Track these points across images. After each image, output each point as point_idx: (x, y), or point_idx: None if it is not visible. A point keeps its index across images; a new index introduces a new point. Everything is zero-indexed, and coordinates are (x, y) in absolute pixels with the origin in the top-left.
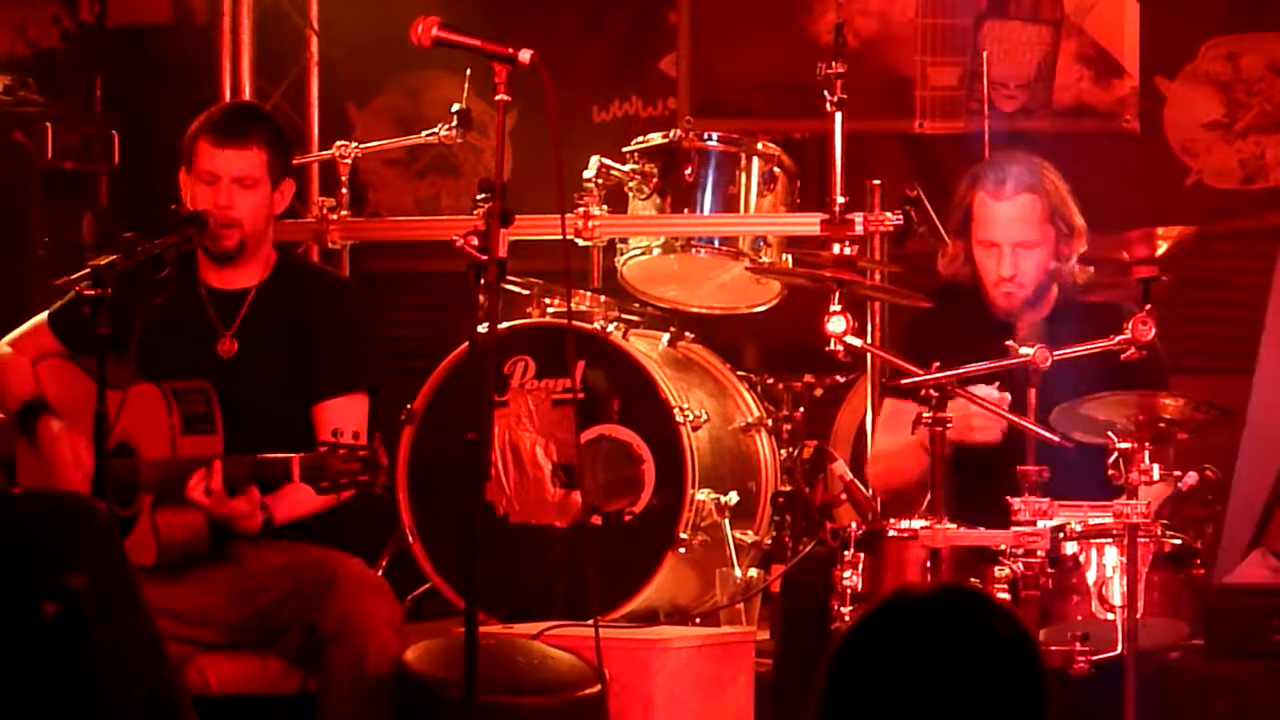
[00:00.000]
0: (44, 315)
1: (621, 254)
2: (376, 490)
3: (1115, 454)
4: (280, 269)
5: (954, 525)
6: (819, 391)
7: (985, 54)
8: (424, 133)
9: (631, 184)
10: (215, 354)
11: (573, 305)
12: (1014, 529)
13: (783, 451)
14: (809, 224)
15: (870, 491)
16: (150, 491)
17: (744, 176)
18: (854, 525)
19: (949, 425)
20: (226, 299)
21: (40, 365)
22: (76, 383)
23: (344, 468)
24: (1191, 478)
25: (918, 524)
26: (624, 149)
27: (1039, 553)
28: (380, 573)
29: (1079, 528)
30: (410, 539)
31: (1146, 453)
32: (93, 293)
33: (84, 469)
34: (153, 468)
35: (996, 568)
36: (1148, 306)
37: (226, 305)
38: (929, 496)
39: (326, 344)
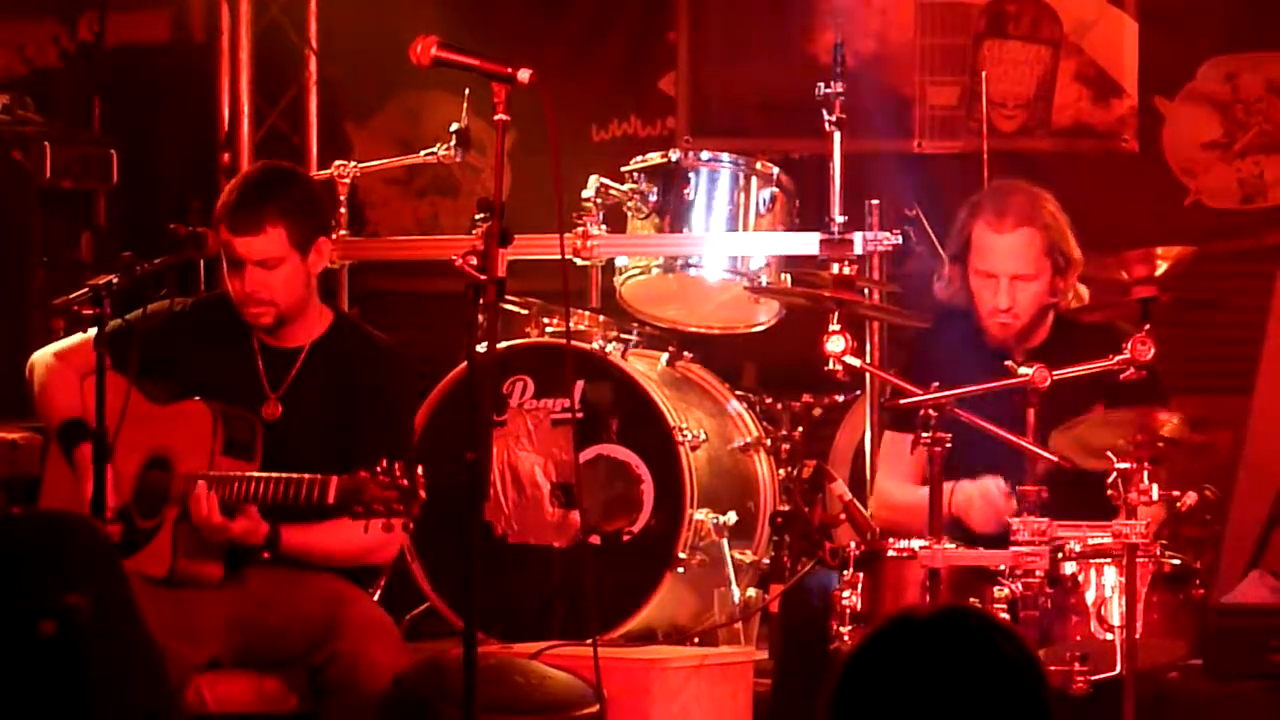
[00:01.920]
0: (93, 331)
1: (620, 273)
2: (409, 522)
3: (1114, 474)
4: (334, 329)
5: (953, 545)
6: (817, 411)
7: (984, 74)
8: (423, 152)
9: (630, 203)
10: (260, 416)
11: (571, 325)
12: (1013, 549)
13: (781, 471)
14: (808, 244)
15: (869, 512)
16: (176, 505)
17: (742, 196)
18: (853, 545)
19: (947, 445)
20: (279, 356)
21: (89, 381)
22: (118, 399)
23: (381, 494)
24: (1191, 498)
25: (917, 544)
26: (623, 168)
27: (1038, 573)
28: (378, 594)
29: (1078, 548)
30: (408, 559)
31: (1145, 472)
32: (91, 311)
33: (120, 494)
34: (184, 483)
35: (995, 588)
36: (1147, 326)
37: (278, 364)
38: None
39: (370, 416)
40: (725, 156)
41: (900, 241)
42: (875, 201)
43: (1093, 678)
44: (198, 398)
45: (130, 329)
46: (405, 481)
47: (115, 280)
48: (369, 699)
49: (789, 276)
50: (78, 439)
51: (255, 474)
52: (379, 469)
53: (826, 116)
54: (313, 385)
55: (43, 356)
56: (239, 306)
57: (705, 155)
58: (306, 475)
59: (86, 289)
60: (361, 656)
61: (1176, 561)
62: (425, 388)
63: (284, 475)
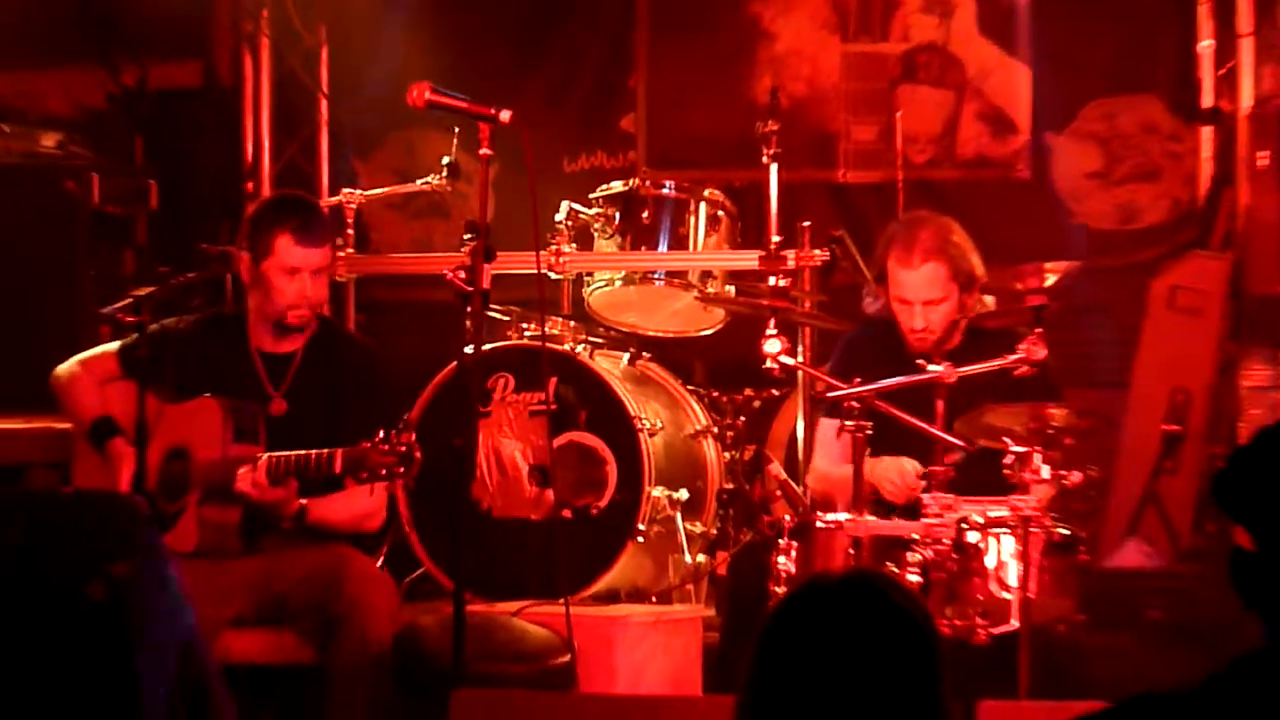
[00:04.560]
0: (115, 345)
1: (588, 285)
2: (409, 482)
3: (1011, 456)
4: (322, 334)
5: (873, 518)
6: (757, 403)
7: (899, 114)
8: (418, 181)
9: (597, 225)
10: (264, 409)
11: (546, 329)
12: (924, 520)
13: (727, 455)
14: (749, 260)
15: (802, 489)
16: (198, 489)
17: (693, 219)
18: (788, 518)
19: (868, 431)
20: (276, 361)
21: (109, 386)
22: (135, 403)
23: (381, 460)
24: (1076, 477)
25: (843, 517)
26: (590, 195)
27: (945, 541)
28: (381, 560)
29: (980, 519)
30: (406, 530)
31: (1038, 455)
32: (132, 319)
33: (146, 483)
34: (202, 469)
35: (909, 554)
36: (1039, 330)
37: (276, 367)
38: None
39: (360, 405)
40: (677, 185)
41: (828, 258)
42: (806, 224)
43: (993, 631)
44: (207, 395)
45: (149, 341)
46: (402, 448)
47: (154, 292)
48: (371, 644)
49: (733, 288)
50: (108, 434)
51: (276, 453)
52: (377, 439)
53: (764, 150)
54: (309, 382)
55: (68, 366)
56: (284, 310)
57: (661, 185)
58: (315, 450)
59: (129, 299)
60: (362, 605)
61: (1064, 531)
62: (420, 384)
63: (298, 452)
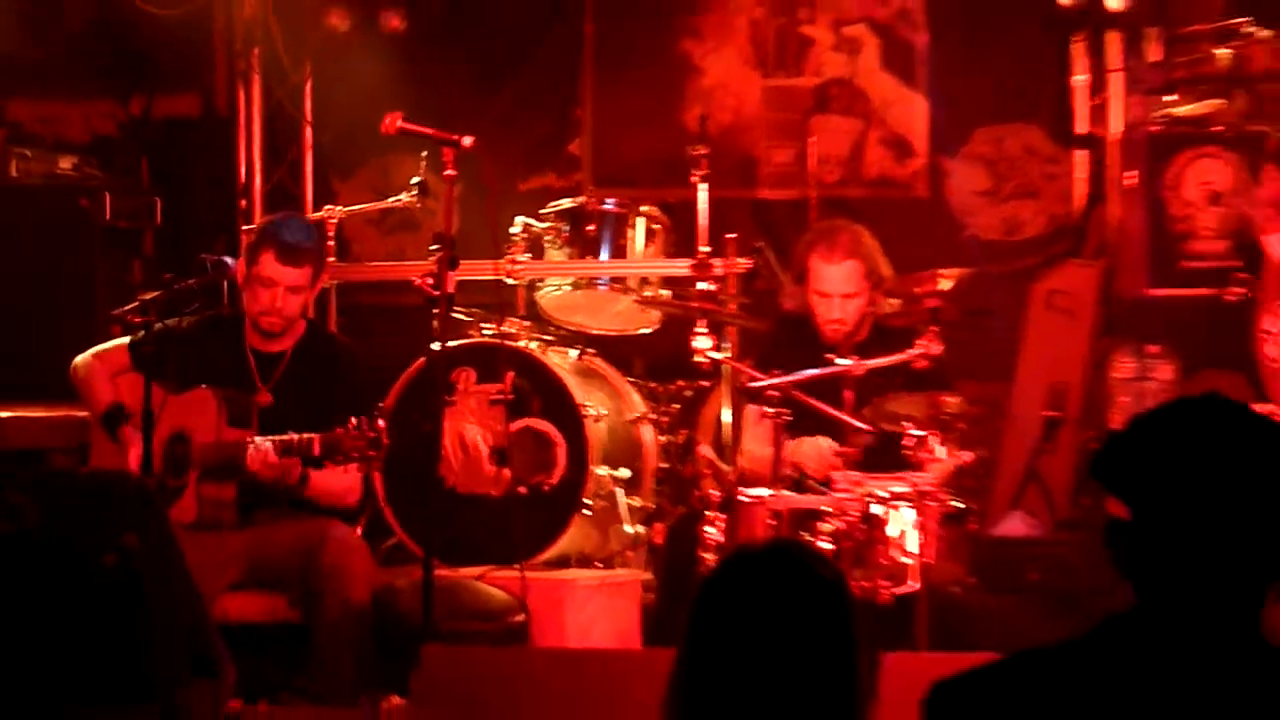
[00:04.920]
0: (125, 341)
1: (540, 290)
2: (378, 464)
3: (910, 439)
4: (308, 335)
5: (790, 493)
6: (689, 393)
7: (812, 139)
8: (392, 199)
9: (548, 237)
10: (256, 403)
11: (503, 328)
12: (835, 495)
13: (662, 438)
14: (681, 267)
15: (727, 468)
16: (198, 468)
17: (632, 231)
18: (715, 493)
19: (787, 417)
20: (266, 359)
21: (120, 378)
22: (141, 392)
23: (354, 444)
24: (968, 457)
25: (764, 492)
26: (542, 211)
27: (854, 513)
28: (360, 531)
29: (884, 494)
30: (382, 505)
31: (934, 438)
32: (139, 319)
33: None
34: (201, 450)
35: (822, 524)
36: (935, 328)
37: (266, 364)
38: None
39: (342, 394)
40: (618, 202)
41: (750, 266)
42: (731, 236)
43: (895, 591)
44: (204, 385)
45: (155, 339)
46: (372, 434)
47: (158, 296)
48: (351, 604)
49: (667, 292)
50: (120, 420)
51: (265, 437)
52: (351, 426)
53: (694, 172)
54: (295, 378)
55: (84, 358)
56: (255, 315)
57: (604, 202)
58: (297, 434)
59: (137, 302)
60: (342, 570)
61: (957, 504)
62: (394, 377)
63: (283, 436)
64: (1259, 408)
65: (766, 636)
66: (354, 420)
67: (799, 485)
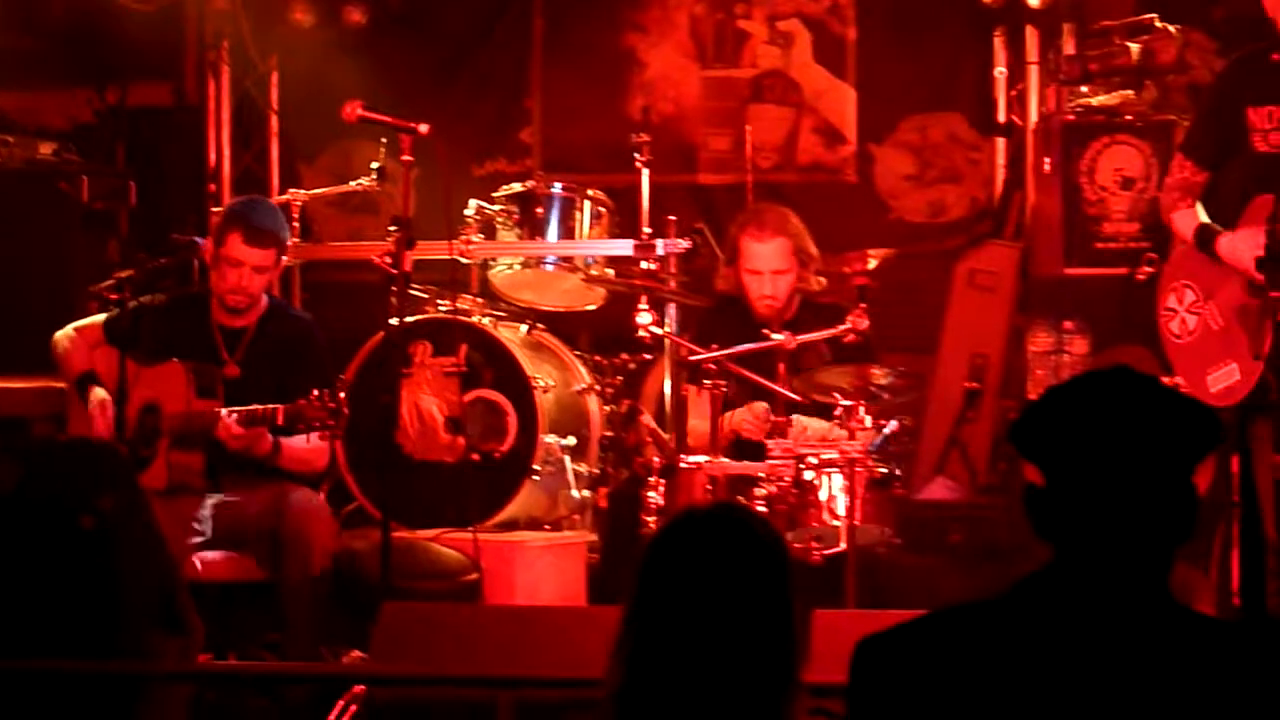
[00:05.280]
0: (101, 317)
1: (492, 268)
2: (338, 434)
3: (839, 409)
4: (270, 312)
5: (726, 460)
6: (632, 365)
7: (749, 127)
8: (353, 183)
9: (500, 219)
10: (223, 375)
11: (457, 305)
12: (769, 462)
13: (606, 408)
14: (624, 247)
15: (668, 436)
16: (168, 437)
17: (579, 214)
18: (656, 460)
19: (724, 388)
20: (232, 334)
21: (96, 350)
22: (116, 364)
23: (315, 415)
24: (894, 425)
25: (702, 459)
26: (494, 194)
27: (786, 478)
28: (323, 495)
29: (815, 460)
30: (343, 471)
31: (861, 408)
32: (115, 296)
33: (113, 424)
34: (171, 420)
35: (757, 489)
36: (863, 305)
37: (231, 338)
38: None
39: (304, 367)
40: (566, 186)
41: (690, 246)
42: (672, 218)
43: (825, 552)
44: (174, 359)
45: (129, 315)
46: (333, 404)
47: (132, 274)
48: (313, 563)
49: (612, 271)
50: (90, 383)
51: (232, 408)
52: (313, 397)
53: (637, 157)
54: (259, 352)
55: (64, 332)
56: (222, 292)
57: (553, 186)
58: (262, 405)
59: (112, 280)
60: (305, 530)
61: (884, 470)
62: (353, 351)
63: (249, 407)
64: (1165, 380)
65: (709, 593)
66: (316, 392)
67: (739, 450)
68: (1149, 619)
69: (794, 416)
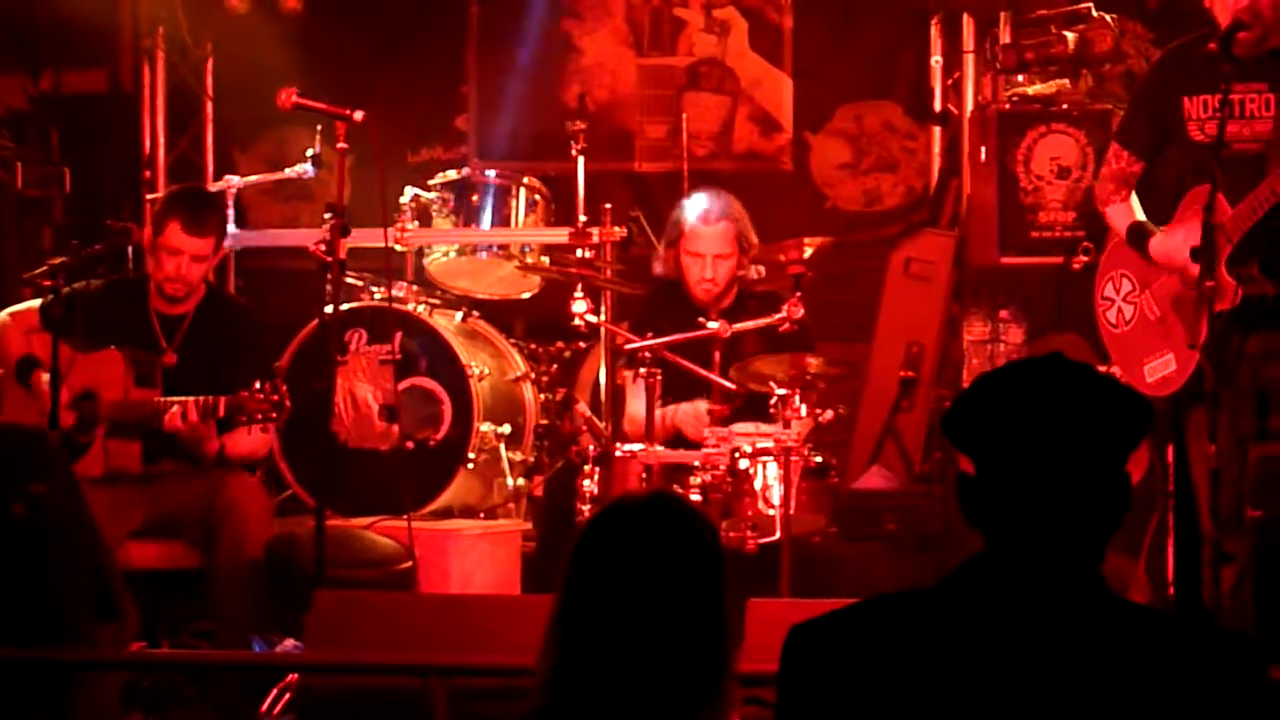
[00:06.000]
0: (38, 301)
1: (428, 256)
2: (280, 426)
3: (775, 397)
4: (208, 299)
5: (661, 448)
6: (567, 354)
7: (685, 115)
8: (288, 170)
9: (435, 207)
10: (160, 361)
11: (392, 292)
12: (704, 450)
13: (542, 396)
14: (560, 235)
15: (603, 424)
16: (105, 425)
17: (514, 202)
18: (592, 448)
19: (659, 376)
20: (170, 321)
21: (33, 335)
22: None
23: (257, 407)
24: (829, 414)
25: (636, 447)
26: (430, 182)
27: (721, 467)
28: (259, 477)
29: (750, 449)
30: (277, 459)
31: (797, 396)
32: (49, 282)
33: (62, 420)
34: (108, 408)
35: (692, 477)
36: (798, 294)
37: (169, 326)
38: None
39: (242, 356)
40: (501, 174)
41: (625, 234)
42: (608, 206)
43: (760, 541)
44: (112, 346)
45: (64, 301)
46: (275, 396)
47: (66, 260)
48: (247, 546)
49: (547, 258)
50: (32, 368)
51: (172, 398)
52: (254, 388)
53: (573, 145)
54: (197, 339)
55: None
56: (161, 281)
57: (488, 173)
58: (203, 397)
59: (46, 267)
60: (238, 511)
61: (819, 459)
62: (289, 338)
63: (190, 398)
64: (1101, 368)
65: (639, 582)
66: (258, 383)
67: (677, 442)
68: (1081, 608)
69: (680, 405)
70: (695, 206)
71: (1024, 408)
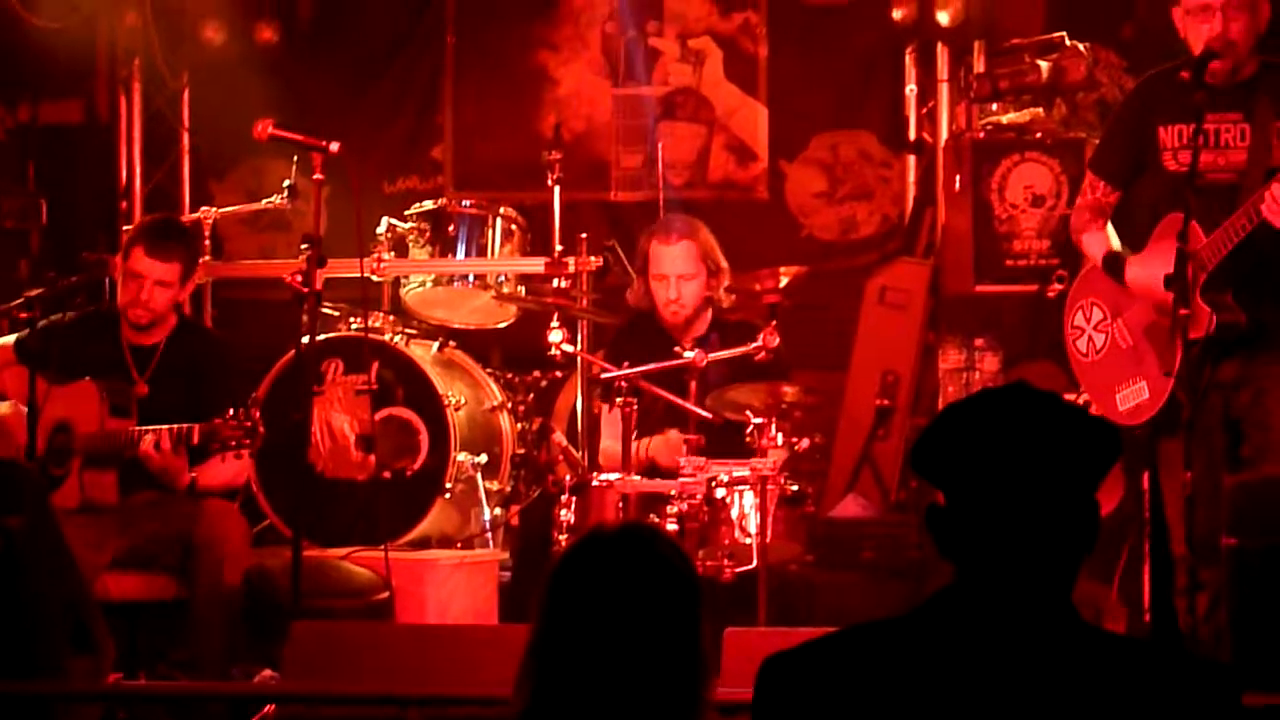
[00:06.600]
0: (12, 338)
1: (404, 286)
2: (253, 453)
3: (751, 426)
4: (179, 329)
5: (638, 478)
6: (544, 383)
7: (660, 144)
8: (264, 200)
9: (411, 237)
10: (134, 394)
11: (369, 322)
12: (680, 479)
13: (518, 425)
14: (536, 265)
15: (579, 454)
16: (80, 456)
17: (490, 231)
18: (568, 478)
19: (635, 405)
20: (142, 352)
21: (6, 370)
22: (26, 384)
23: (231, 434)
24: (805, 443)
25: (613, 476)
26: (406, 212)
27: (698, 496)
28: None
29: (726, 478)
30: (254, 489)
31: (773, 425)
32: (25, 314)
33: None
34: (84, 439)
35: (669, 507)
36: (774, 322)
37: (141, 356)
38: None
39: (216, 385)
40: (477, 204)
41: (601, 264)
42: (583, 235)
43: (737, 569)
44: (87, 378)
45: (40, 334)
46: (249, 423)
47: (43, 292)
48: (224, 571)
49: (523, 288)
50: None
51: (146, 428)
52: (228, 416)
53: (549, 175)
54: (168, 369)
55: None
56: (125, 307)
57: (464, 203)
58: (177, 425)
59: (23, 299)
60: (216, 537)
61: (795, 488)
62: (265, 368)
63: (163, 427)
64: (1071, 396)
65: (616, 612)
66: (231, 410)
67: (653, 472)
68: (1053, 636)
69: (655, 436)
70: (657, 231)
71: (989, 437)
